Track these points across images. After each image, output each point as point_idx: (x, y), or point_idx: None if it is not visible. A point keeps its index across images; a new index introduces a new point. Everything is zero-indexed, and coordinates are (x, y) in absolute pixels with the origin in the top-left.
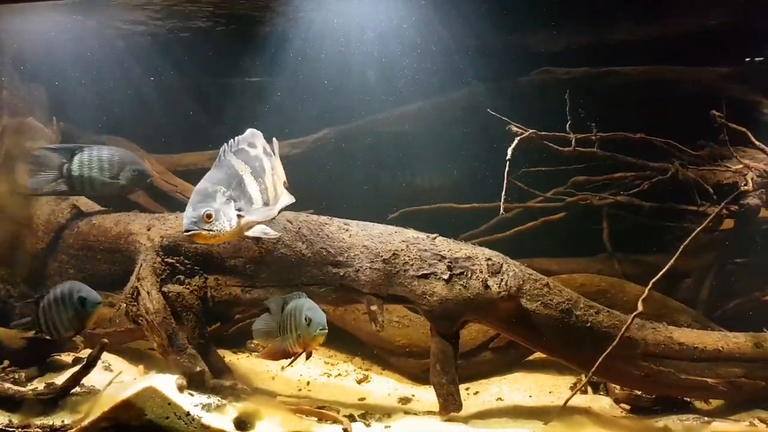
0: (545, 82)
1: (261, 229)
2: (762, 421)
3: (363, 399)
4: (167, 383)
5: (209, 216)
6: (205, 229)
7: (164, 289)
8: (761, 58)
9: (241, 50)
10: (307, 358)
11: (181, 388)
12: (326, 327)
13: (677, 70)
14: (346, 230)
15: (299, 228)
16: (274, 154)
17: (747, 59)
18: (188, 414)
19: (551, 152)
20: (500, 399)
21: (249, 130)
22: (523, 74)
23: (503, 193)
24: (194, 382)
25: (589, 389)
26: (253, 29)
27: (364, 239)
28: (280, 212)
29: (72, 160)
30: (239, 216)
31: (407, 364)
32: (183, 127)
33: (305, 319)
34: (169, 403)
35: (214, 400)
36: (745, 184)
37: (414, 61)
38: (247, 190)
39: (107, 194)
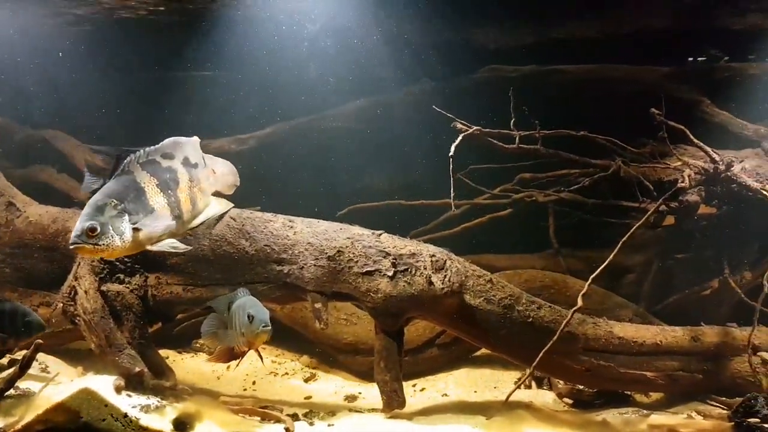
0: (493, 80)
1: (168, 243)
2: (699, 413)
3: (309, 398)
4: (104, 384)
5: (92, 230)
6: (89, 243)
7: (103, 288)
8: (703, 58)
9: (186, 42)
10: (262, 360)
11: (118, 389)
12: (269, 324)
13: (621, 69)
14: (291, 227)
15: (243, 225)
16: (205, 163)
17: (689, 59)
18: (126, 415)
19: (496, 149)
20: (446, 395)
21: (170, 140)
22: (471, 72)
23: (451, 190)
24: (133, 383)
25: (534, 384)
26: (198, 20)
27: (309, 236)
28: (216, 222)
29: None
30: (136, 230)
31: (355, 362)
32: (126, 121)
33: (248, 317)
34: (106, 405)
35: (153, 401)
36: (682, 181)
37: (363, 58)
38: (149, 203)
39: None
